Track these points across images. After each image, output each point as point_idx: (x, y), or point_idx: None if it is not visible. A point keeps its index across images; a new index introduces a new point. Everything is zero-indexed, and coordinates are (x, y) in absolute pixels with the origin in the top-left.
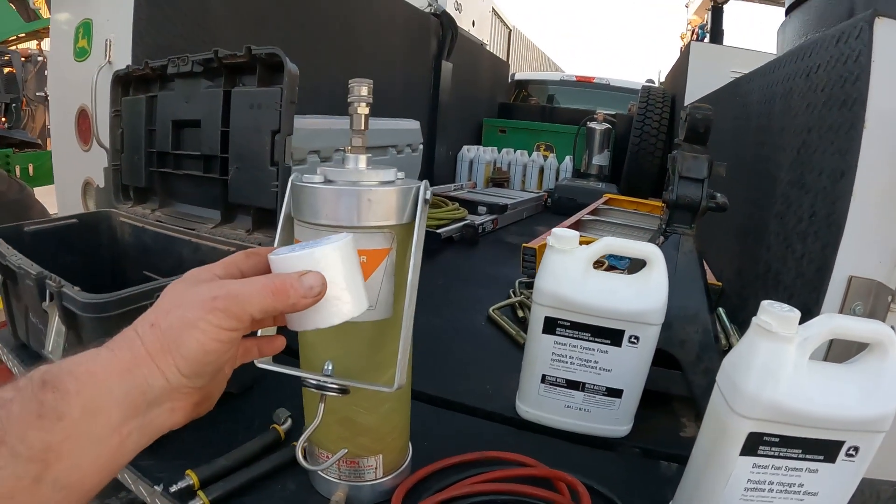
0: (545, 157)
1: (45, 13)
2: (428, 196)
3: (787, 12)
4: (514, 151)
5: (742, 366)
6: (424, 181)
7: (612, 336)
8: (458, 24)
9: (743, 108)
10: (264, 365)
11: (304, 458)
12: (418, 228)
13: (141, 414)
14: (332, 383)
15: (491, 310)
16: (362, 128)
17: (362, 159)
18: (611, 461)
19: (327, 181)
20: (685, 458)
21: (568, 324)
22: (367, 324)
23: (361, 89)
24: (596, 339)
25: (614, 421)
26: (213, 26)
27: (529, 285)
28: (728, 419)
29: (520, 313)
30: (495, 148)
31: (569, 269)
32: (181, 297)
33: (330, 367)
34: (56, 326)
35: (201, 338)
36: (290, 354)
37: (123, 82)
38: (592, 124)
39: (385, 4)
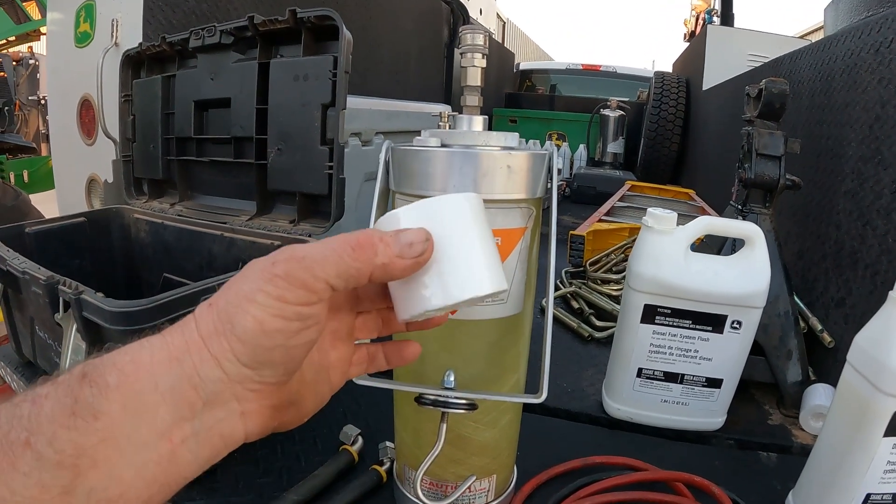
0: (558, 147)
1: (35, 15)
2: (560, 166)
3: None
4: (527, 141)
5: (884, 342)
6: (553, 149)
7: (714, 322)
8: None
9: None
10: (364, 381)
11: (421, 491)
12: (556, 203)
13: (196, 415)
14: (457, 398)
15: (543, 301)
16: (478, 83)
17: (478, 120)
18: (709, 455)
19: (444, 145)
20: (780, 447)
21: (668, 311)
22: (493, 322)
23: (476, 38)
24: (697, 327)
25: (711, 413)
26: (228, 4)
27: (576, 275)
28: (872, 399)
29: (574, 304)
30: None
31: (668, 252)
32: (246, 271)
33: (452, 378)
34: (73, 343)
35: (258, 313)
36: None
37: (134, 63)
38: (606, 112)
39: None
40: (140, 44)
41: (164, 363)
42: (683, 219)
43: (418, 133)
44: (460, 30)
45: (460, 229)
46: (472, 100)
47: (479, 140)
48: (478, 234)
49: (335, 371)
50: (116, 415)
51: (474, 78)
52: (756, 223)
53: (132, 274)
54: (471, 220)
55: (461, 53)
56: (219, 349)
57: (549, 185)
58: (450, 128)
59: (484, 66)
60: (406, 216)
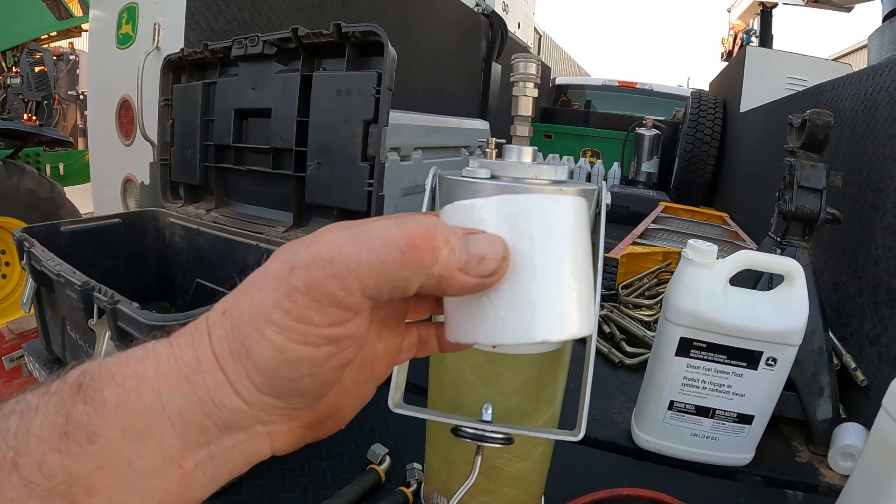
0: (592, 164)
1: (77, 12)
2: (609, 201)
3: (886, 19)
4: (561, 157)
5: None
6: (603, 183)
7: (749, 358)
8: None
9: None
10: (401, 410)
11: None
12: (602, 239)
13: (212, 441)
14: (494, 432)
15: None
16: (529, 114)
17: (527, 152)
18: (735, 491)
19: (494, 177)
20: (807, 486)
21: (704, 345)
22: (535, 356)
23: (528, 67)
24: (731, 362)
25: (740, 449)
26: (269, 12)
27: (607, 297)
28: None
29: (605, 328)
30: (540, 154)
31: (707, 285)
32: (263, 271)
33: (490, 412)
34: (106, 349)
35: (276, 338)
36: (409, 390)
37: (175, 68)
38: (641, 130)
39: (439, 0)
40: (182, 49)
41: (172, 382)
42: (718, 244)
43: (457, 149)
44: (512, 58)
45: (554, 245)
46: (523, 130)
47: (529, 173)
48: (575, 253)
49: (381, 363)
50: (115, 439)
51: (525, 108)
52: (794, 256)
53: (165, 277)
54: (571, 235)
55: (512, 82)
56: (235, 375)
57: (597, 220)
58: (496, 156)
59: (535, 95)
60: (486, 211)
